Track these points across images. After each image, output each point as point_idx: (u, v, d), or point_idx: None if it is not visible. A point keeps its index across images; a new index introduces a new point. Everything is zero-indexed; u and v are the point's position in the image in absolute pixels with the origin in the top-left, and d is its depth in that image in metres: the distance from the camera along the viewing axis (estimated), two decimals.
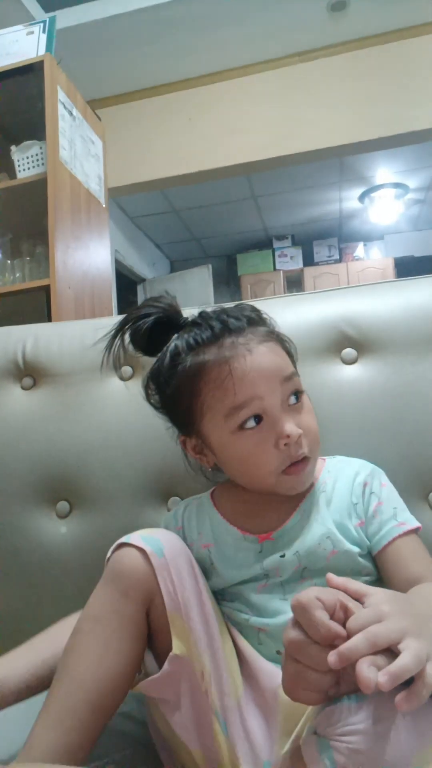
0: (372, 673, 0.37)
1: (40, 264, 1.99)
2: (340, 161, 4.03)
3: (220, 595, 0.64)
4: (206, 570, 0.64)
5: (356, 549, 0.61)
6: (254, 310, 0.67)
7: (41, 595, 0.84)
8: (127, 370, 0.91)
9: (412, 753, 0.38)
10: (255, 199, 4.64)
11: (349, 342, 0.83)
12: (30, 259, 2.04)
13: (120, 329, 0.68)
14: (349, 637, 0.40)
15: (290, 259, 5.45)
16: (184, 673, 0.53)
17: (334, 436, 0.78)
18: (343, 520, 0.62)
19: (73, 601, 0.83)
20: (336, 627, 0.40)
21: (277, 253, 5.48)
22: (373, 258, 5.45)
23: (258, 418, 0.59)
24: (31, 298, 1.94)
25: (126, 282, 4.89)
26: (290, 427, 0.59)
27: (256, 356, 0.60)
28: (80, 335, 0.95)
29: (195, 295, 4.89)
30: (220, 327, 0.62)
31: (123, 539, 0.56)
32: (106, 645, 0.52)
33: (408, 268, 4.96)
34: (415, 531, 0.62)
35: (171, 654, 0.52)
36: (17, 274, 2.04)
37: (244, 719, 0.53)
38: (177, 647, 0.52)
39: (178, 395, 0.63)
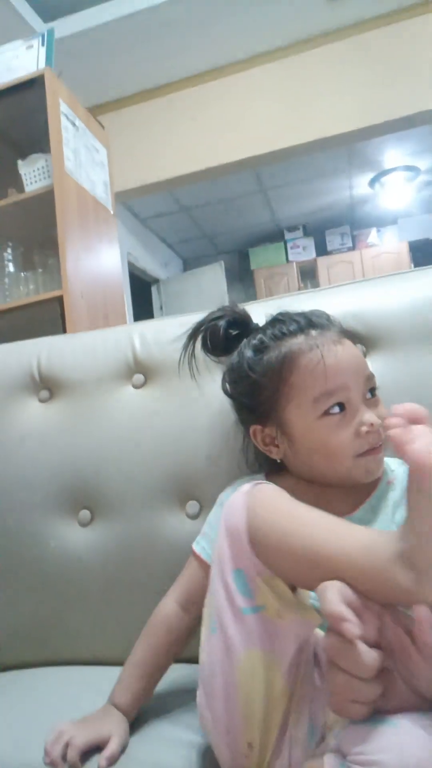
0: None
1: (52, 275, 2.02)
2: (349, 148, 3.98)
3: None
4: None
5: None
6: (325, 314, 0.72)
7: (66, 602, 0.86)
8: (139, 378, 0.93)
9: None
10: (264, 192, 4.62)
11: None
12: (42, 271, 2.07)
13: (195, 332, 0.74)
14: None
15: (303, 250, 5.40)
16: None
17: None
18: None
19: (98, 607, 0.86)
20: (339, 607, 0.40)
21: (289, 244, 5.44)
22: (387, 243, 5.36)
23: (341, 406, 0.63)
24: (45, 309, 1.97)
25: (140, 284, 4.92)
26: (371, 416, 0.63)
27: (345, 349, 0.65)
28: (92, 346, 0.97)
29: (208, 292, 4.88)
30: (305, 321, 0.68)
31: None
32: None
33: (423, 251, 4.88)
34: None
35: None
36: (31, 286, 2.08)
37: None
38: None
39: (263, 383, 0.67)
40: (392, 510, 0.65)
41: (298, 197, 4.82)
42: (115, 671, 0.68)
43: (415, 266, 3.73)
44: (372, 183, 4.70)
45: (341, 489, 0.66)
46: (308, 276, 5.30)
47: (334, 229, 5.45)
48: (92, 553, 0.86)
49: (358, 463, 0.63)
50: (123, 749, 0.59)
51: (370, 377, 0.66)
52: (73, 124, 2.05)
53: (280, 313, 0.71)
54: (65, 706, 0.68)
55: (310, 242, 5.42)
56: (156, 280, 5.20)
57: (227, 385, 0.74)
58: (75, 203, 2.01)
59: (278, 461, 0.70)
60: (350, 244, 5.42)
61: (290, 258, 5.41)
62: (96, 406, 0.93)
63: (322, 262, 5.26)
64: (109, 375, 0.94)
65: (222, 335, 0.73)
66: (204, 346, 0.75)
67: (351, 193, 4.87)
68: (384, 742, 0.38)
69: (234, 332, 0.74)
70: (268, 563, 0.49)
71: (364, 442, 0.62)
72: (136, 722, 0.64)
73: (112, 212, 2.30)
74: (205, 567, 0.68)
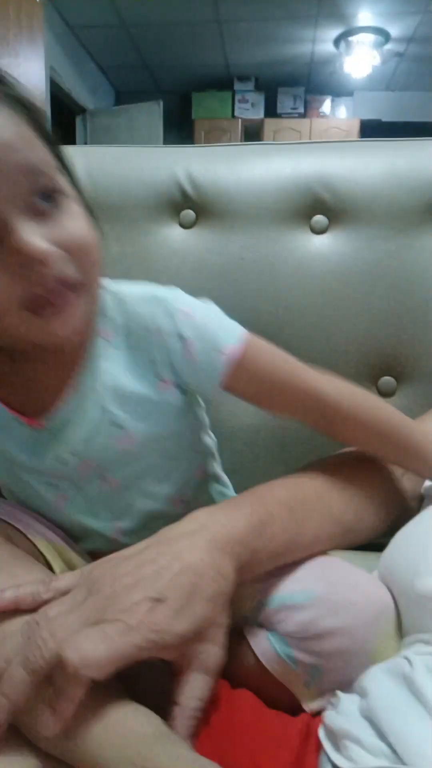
0: None
1: None
2: None
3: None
4: None
5: (160, 427, 0.47)
6: None
7: None
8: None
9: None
10: (220, 24, 4.01)
11: (321, 207, 0.74)
12: None
13: None
14: None
15: (251, 106, 4.94)
16: None
17: (291, 311, 0.73)
18: (140, 388, 0.45)
19: None
20: None
21: (237, 96, 4.94)
22: (339, 117, 5.05)
23: None
24: None
25: (63, 110, 4.27)
26: (35, 240, 0.36)
27: None
28: None
29: (142, 135, 4.41)
30: None
31: None
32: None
33: (374, 133, 4.65)
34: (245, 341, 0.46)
35: None
36: None
37: None
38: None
39: None
40: (110, 372, 0.45)
41: (257, 40, 4.26)
42: None
43: None
44: (337, 41, 4.26)
45: (41, 362, 0.45)
46: (252, 137, 4.91)
47: (288, 89, 4.99)
48: None
49: (31, 321, 0.38)
50: None
51: (36, 171, 0.37)
52: None
53: None
54: None
55: (260, 99, 4.95)
56: (82, 110, 4.55)
57: None
58: None
59: None
60: (302, 110, 5.03)
61: (236, 113, 4.95)
62: None
63: (270, 126, 4.88)
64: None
65: None
66: None
67: (314, 47, 4.39)
68: (304, 571, 0.43)
69: None
70: None
71: (30, 285, 0.37)
72: None
73: (38, 1, 1.86)
74: None
